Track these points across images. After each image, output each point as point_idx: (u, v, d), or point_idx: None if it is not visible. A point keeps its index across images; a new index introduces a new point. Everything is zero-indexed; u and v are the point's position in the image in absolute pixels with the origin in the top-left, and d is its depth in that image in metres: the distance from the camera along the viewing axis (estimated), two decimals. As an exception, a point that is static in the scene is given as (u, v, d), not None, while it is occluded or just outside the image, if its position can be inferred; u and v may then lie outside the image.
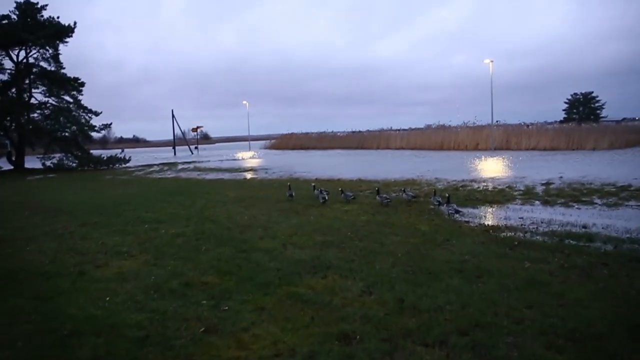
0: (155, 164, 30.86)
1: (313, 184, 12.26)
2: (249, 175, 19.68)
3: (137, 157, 38.50)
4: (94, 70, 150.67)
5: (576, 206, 8.98)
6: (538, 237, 6.50)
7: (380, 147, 38.79)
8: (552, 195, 10.31)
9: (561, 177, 13.15)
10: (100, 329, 3.83)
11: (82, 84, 30.69)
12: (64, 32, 29.62)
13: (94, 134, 34.50)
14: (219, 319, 3.95)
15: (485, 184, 12.72)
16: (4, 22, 28.29)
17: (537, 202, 9.68)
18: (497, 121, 32.94)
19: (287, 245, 6.53)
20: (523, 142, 29.57)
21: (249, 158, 33.95)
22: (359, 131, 47.42)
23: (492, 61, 31.23)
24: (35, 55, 30.14)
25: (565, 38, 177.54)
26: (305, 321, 3.82)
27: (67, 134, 30.39)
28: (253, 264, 5.61)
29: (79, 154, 30.76)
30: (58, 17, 29.50)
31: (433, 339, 3.39)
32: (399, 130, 43.40)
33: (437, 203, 9.32)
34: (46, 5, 29.22)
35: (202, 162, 30.98)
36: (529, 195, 10.53)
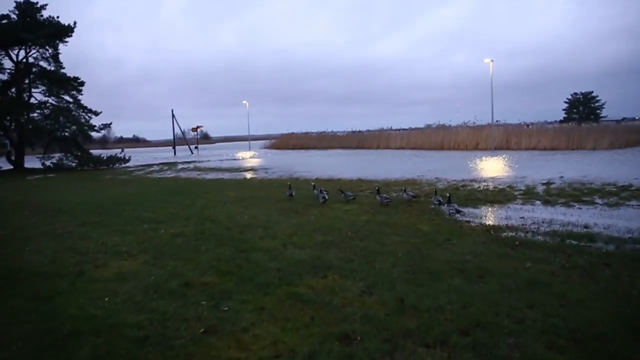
0: (155, 164, 30.84)
1: (313, 184, 12.24)
2: (249, 175, 19.66)
3: (137, 157, 38.49)
4: (94, 70, 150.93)
5: (577, 206, 8.96)
6: (539, 237, 6.48)
7: (380, 147, 38.77)
8: (553, 195, 10.29)
9: (562, 176, 13.13)
10: (100, 329, 3.81)
11: (82, 84, 30.67)
12: (64, 31, 29.58)
13: (94, 134, 34.49)
14: (219, 319, 3.93)
15: (485, 184, 12.70)
16: (3, 21, 28.24)
17: (538, 201, 9.65)
18: (497, 121, 32.99)
19: (287, 245, 6.51)
20: (523, 142, 29.56)
21: (249, 158, 33.94)
22: (359, 131, 47.45)
23: (492, 60, 31.26)
24: (34, 55, 30.15)
25: (565, 38, 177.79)
26: (306, 321, 3.80)
27: (66, 133, 30.35)
28: (253, 264, 5.59)
29: (79, 153, 30.72)
30: (58, 17, 29.51)
31: (434, 339, 3.37)
32: (398, 130, 43.38)
33: (437, 203, 9.31)
34: (46, 4, 29.23)
35: (202, 161, 30.97)
36: (529, 195, 10.51)
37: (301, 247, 6.38)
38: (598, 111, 62.47)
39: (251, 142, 55.73)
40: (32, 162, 30.53)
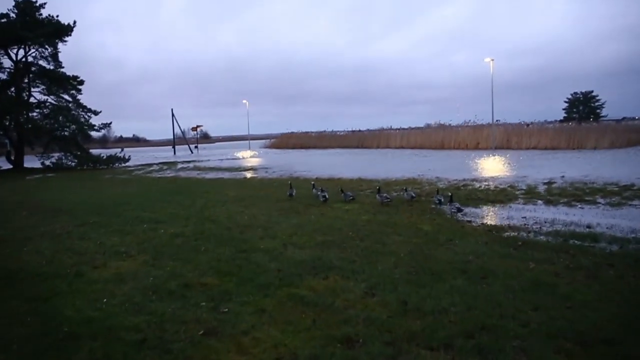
0: (154, 163, 30.77)
1: (312, 183, 12.19)
2: (248, 175, 19.59)
3: (137, 157, 38.43)
4: (94, 69, 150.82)
5: (579, 206, 8.89)
6: (542, 237, 6.41)
7: (381, 146, 38.71)
8: (555, 194, 10.22)
9: (563, 176, 13.07)
10: (97, 331, 3.75)
11: (81, 83, 30.60)
12: (64, 31, 29.49)
13: (94, 133, 34.47)
14: (219, 321, 3.87)
15: (486, 183, 12.63)
16: (2, 20, 28.15)
17: (539, 201, 9.59)
18: (497, 120, 32.92)
19: (287, 245, 6.44)
20: (523, 141, 29.50)
21: (249, 157, 33.87)
22: (359, 130, 47.33)
23: (492, 60, 31.17)
24: (34, 54, 30.10)
25: (566, 37, 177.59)
26: (307, 324, 3.74)
27: (66, 133, 30.27)
28: (253, 264, 5.53)
29: (78, 153, 30.66)
30: (57, 16, 29.41)
31: (438, 342, 3.31)
32: (399, 129, 43.29)
33: (438, 202, 9.25)
34: (45, 3, 29.14)
35: (201, 161, 30.90)
36: (531, 194, 10.44)
37: (302, 247, 6.31)
38: (598, 111, 62.40)
39: (251, 141, 55.64)
40: (31, 161, 30.46)
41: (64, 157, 30.53)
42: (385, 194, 10.07)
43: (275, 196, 11.77)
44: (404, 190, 10.86)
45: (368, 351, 3.25)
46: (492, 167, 17.98)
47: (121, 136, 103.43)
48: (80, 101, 30.98)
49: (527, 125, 34.04)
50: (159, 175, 21.88)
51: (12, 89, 30.23)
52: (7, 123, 30.14)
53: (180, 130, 56.85)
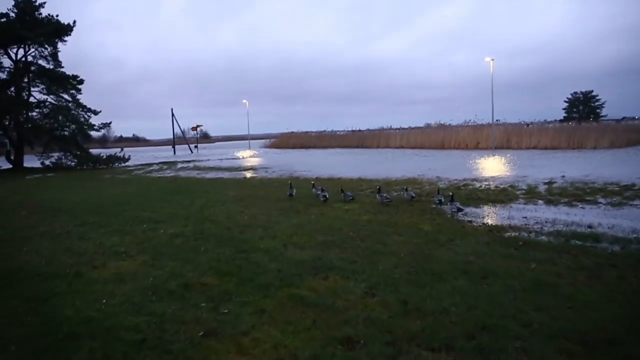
0: (154, 163, 30.73)
1: (312, 182, 12.18)
2: (248, 174, 19.57)
3: (137, 156, 38.38)
4: (94, 69, 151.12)
5: (580, 205, 8.87)
6: (543, 237, 6.39)
7: (380, 146, 38.67)
8: (555, 194, 10.20)
9: (563, 176, 13.04)
10: (97, 332, 3.73)
11: (81, 82, 30.52)
12: (63, 30, 29.44)
13: (94, 133, 34.35)
14: (218, 322, 3.85)
15: (487, 183, 12.61)
16: (2, 20, 28.09)
17: (540, 201, 9.57)
18: (497, 120, 32.88)
19: (287, 245, 6.42)
20: (523, 141, 29.46)
21: (249, 157, 33.84)
22: (359, 130, 47.24)
23: (492, 59, 31.12)
24: (33, 54, 30.03)
25: (565, 37, 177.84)
26: (307, 324, 3.72)
27: (66, 132, 30.21)
28: (253, 264, 5.51)
29: (78, 153, 30.58)
30: (57, 16, 29.33)
31: (439, 343, 3.29)
32: (398, 129, 43.25)
33: (438, 202, 9.22)
34: (44, 2, 29.05)
35: (201, 161, 30.87)
36: (531, 194, 10.42)
37: (302, 247, 6.29)
38: (598, 110, 62.41)
39: (251, 141, 55.59)
40: (31, 161, 30.41)
41: (63, 157, 30.46)
42: (385, 194, 10.05)
43: (275, 196, 11.75)
44: (404, 190, 10.84)
45: (368, 352, 3.23)
46: (493, 166, 17.96)
47: (121, 136, 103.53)
48: (80, 101, 30.93)
49: (527, 125, 34.02)
50: (159, 175, 21.85)
51: (12, 88, 30.15)
52: (7, 123, 30.07)
53: (180, 130, 56.83)
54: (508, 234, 6.73)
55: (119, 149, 33.91)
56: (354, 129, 47.91)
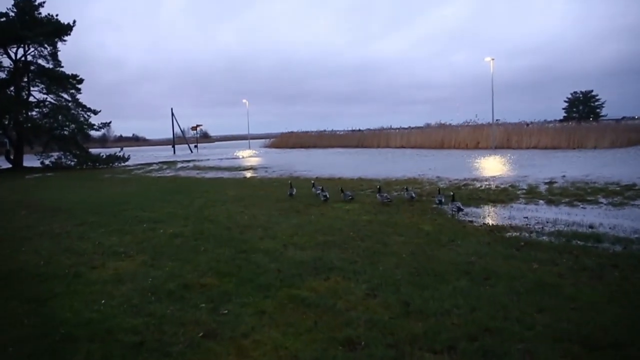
0: (154, 163, 30.68)
1: (312, 182, 12.14)
2: (248, 174, 19.53)
3: (137, 156, 38.32)
4: (94, 69, 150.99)
5: (581, 205, 8.83)
6: (544, 238, 6.35)
7: (381, 146, 38.62)
8: (556, 194, 10.17)
9: (564, 175, 13.01)
10: (95, 333, 3.69)
11: (81, 81, 30.47)
12: (63, 30, 29.38)
13: (93, 133, 34.41)
14: (218, 323, 3.81)
15: (487, 183, 12.58)
16: (1, 19, 28.06)
17: (541, 201, 9.53)
18: (497, 120, 32.84)
19: (287, 245, 6.38)
20: (524, 141, 29.42)
21: (249, 157, 33.79)
22: (359, 130, 47.23)
23: (493, 59, 31.07)
24: (33, 53, 29.98)
25: (565, 37, 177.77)
26: (308, 326, 3.68)
27: (65, 132, 30.15)
28: (253, 265, 5.47)
29: (78, 152, 30.53)
30: (57, 15, 29.30)
31: (441, 345, 3.25)
32: (399, 128, 43.20)
33: (438, 203, 9.19)
34: (44, 2, 28.99)
35: (201, 160, 30.82)
36: (532, 194, 10.39)
37: (302, 247, 6.25)
38: (598, 110, 62.38)
39: (251, 141, 55.54)
40: (31, 160, 30.37)
41: (63, 157, 30.42)
42: (385, 194, 10.02)
43: (275, 196, 11.71)
44: (404, 189, 10.80)
45: (370, 354, 3.19)
46: (493, 166, 17.92)
47: (121, 135, 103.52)
48: (80, 100, 30.93)
49: (527, 124, 33.97)
50: (159, 175, 21.81)
51: (12, 88, 30.12)
52: (7, 122, 30.04)
53: (180, 129, 56.71)
54: (509, 234, 6.70)
55: (119, 149, 33.86)
56: (354, 128, 48.02)
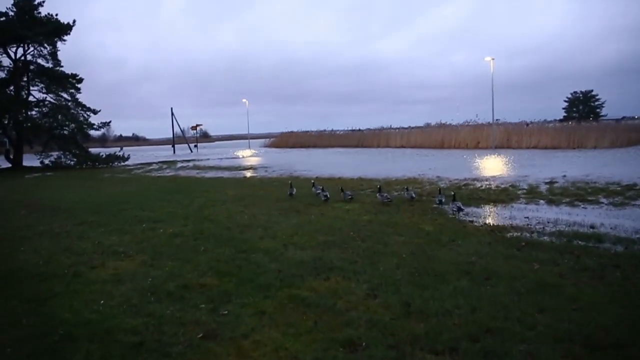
0: (154, 162, 30.65)
1: (312, 182, 12.13)
2: (248, 174, 19.51)
3: (136, 155, 38.29)
4: (94, 68, 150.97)
5: (582, 205, 8.81)
6: (545, 238, 6.33)
7: (381, 146, 38.59)
8: (557, 194, 10.15)
9: (564, 175, 12.98)
10: (95, 334, 3.67)
11: (80, 81, 30.46)
12: (63, 29, 29.36)
13: (93, 132, 34.35)
14: (218, 323, 3.79)
15: (488, 183, 12.56)
16: (1, 19, 28.04)
17: (541, 201, 9.51)
18: (496, 120, 32.83)
19: (287, 245, 6.36)
20: (524, 141, 29.39)
21: (249, 156, 33.76)
22: (359, 129, 47.19)
23: (493, 59, 31.05)
24: (33, 53, 29.96)
25: (565, 37, 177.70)
26: (308, 326, 3.66)
27: (65, 131, 30.15)
28: (253, 265, 5.45)
29: (78, 152, 30.52)
30: (57, 15, 29.29)
31: (443, 346, 3.23)
32: (399, 128, 43.16)
33: (439, 203, 9.17)
34: (43, 1, 28.95)
35: (201, 160, 30.80)
36: (533, 194, 10.37)
37: (302, 247, 6.23)
38: (598, 110, 62.40)
39: (251, 140, 55.50)
40: (30, 160, 30.37)
41: (63, 156, 30.41)
42: (385, 194, 10.00)
43: (275, 195, 11.69)
44: (405, 189, 10.78)
45: (371, 355, 3.17)
46: (493, 166, 17.90)
47: (120, 135, 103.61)
48: (79, 100, 30.93)
49: (527, 124, 33.96)
50: (158, 174, 21.80)
51: (11, 87, 30.11)
52: (6, 122, 30.05)
53: (180, 129, 56.75)
54: (510, 234, 6.68)
55: (119, 148, 33.99)
56: (354, 128, 47.95)
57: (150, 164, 29.80)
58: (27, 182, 20.92)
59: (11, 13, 28.37)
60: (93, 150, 34.79)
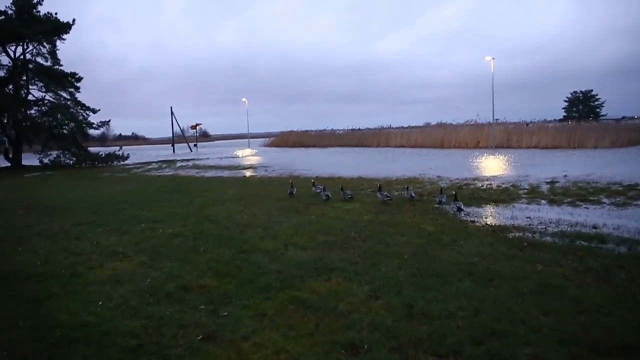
0: (153, 162, 30.56)
1: (312, 181, 12.07)
2: (248, 173, 19.44)
3: (136, 155, 38.17)
4: (95, 68, 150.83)
5: (584, 205, 8.76)
6: (548, 238, 6.28)
7: (380, 145, 38.52)
8: (558, 194, 10.09)
9: (565, 175, 12.92)
10: (92, 336, 3.61)
11: (80, 79, 30.40)
12: (62, 28, 29.27)
13: (93, 131, 34.32)
14: (218, 325, 3.74)
15: (488, 183, 12.50)
16: (0, 17, 27.95)
17: (543, 201, 9.46)
18: (496, 119, 32.78)
19: (288, 245, 6.31)
20: (524, 140, 29.35)
21: (249, 155, 33.68)
22: (359, 129, 47.09)
23: (493, 58, 30.98)
24: (32, 51, 29.87)
25: (566, 37, 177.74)
26: (310, 328, 3.60)
27: (64, 131, 30.09)
28: (253, 265, 5.39)
29: (77, 151, 30.45)
30: (56, 14, 29.22)
31: (446, 349, 3.17)
32: (399, 128, 43.06)
33: (439, 203, 9.12)
34: (42, 0, 28.90)
35: (201, 159, 30.72)
36: (534, 194, 10.31)
37: (303, 247, 6.18)
38: (598, 110, 62.39)
39: (251, 140, 55.37)
40: (30, 159, 30.29)
41: (62, 155, 30.33)
42: (385, 192, 9.97)
43: (275, 195, 11.63)
44: (405, 189, 10.72)
45: (373, 358, 3.12)
46: (494, 166, 17.84)
47: (120, 134, 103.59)
48: (79, 99, 30.85)
49: (527, 124, 33.92)
50: (158, 174, 21.73)
51: (10, 86, 30.02)
52: (5, 120, 29.96)
53: (180, 128, 56.61)
54: (512, 234, 6.62)
55: (118, 147, 33.90)
56: (354, 128, 47.80)
57: (149, 163, 29.72)
58: (26, 181, 20.85)
59: (10, 11, 28.33)
60: (92, 149, 34.71)
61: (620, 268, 4.82)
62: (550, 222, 7.31)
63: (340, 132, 47.20)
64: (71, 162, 30.07)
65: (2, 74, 29.77)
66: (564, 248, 5.71)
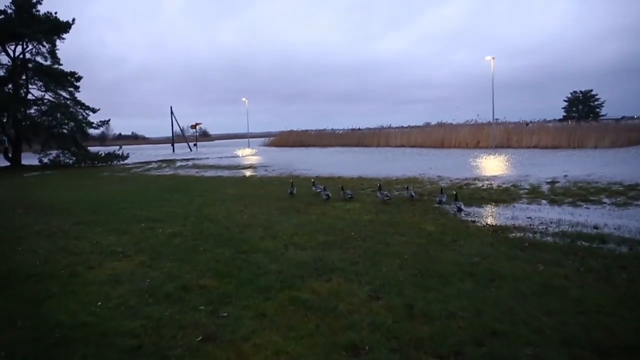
0: (153, 161, 30.54)
1: (312, 181, 12.05)
2: (248, 173, 19.42)
3: (136, 154, 38.13)
4: (95, 67, 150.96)
5: (584, 205, 8.74)
6: (549, 238, 6.26)
7: (380, 145, 38.49)
8: (559, 194, 10.07)
9: (566, 175, 12.91)
10: (91, 337, 3.59)
11: (79, 79, 30.37)
12: (62, 27, 29.23)
13: (93, 131, 34.23)
14: (218, 326, 3.72)
15: (489, 182, 12.48)
16: (0, 17, 27.92)
17: (543, 201, 9.44)
18: (496, 119, 32.76)
19: (288, 245, 6.29)
20: (524, 140, 29.33)
21: (248, 155, 33.65)
22: (359, 129, 47.07)
23: (493, 58, 30.96)
24: (31, 51, 29.83)
25: (565, 36, 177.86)
26: (310, 329, 3.59)
27: (64, 130, 30.05)
28: (253, 265, 5.37)
29: (76, 150, 30.41)
30: (56, 13, 29.20)
31: (447, 350, 3.16)
32: (398, 127, 43.03)
33: (439, 203, 9.10)
34: (42, -1, 28.87)
35: (200, 159, 30.69)
36: (534, 194, 10.29)
37: (303, 247, 6.16)
38: (597, 110, 62.40)
39: (250, 139, 55.34)
40: (29, 159, 30.26)
41: (61, 155, 30.29)
42: (385, 192, 9.96)
43: (275, 195, 11.61)
44: (405, 188, 10.71)
45: (374, 358, 3.10)
46: (494, 166, 17.83)
47: (120, 134, 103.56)
48: (78, 98, 30.81)
49: (527, 124, 33.90)
50: (158, 173, 21.70)
51: (10, 85, 29.98)
52: (5, 120, 29.91)
53: (180, 128, 56.60)
54: (513, 234, 6.60)
55: (118, 147, 33.83)
56: (353, 127, 47.77)
57: (149, 162, 29.69)
58: (25, 180, 20.82)
59: (10, 11, 28.30)
60: (92, 148, 34.67)
61: (621, 268, 4.80)
62: (551, 222, 7.29)
63: (340, 132, 47.18)
64: (71, 161, 30.03)
65: (2, 74, 29.74)
66: (565, 248, 5.69)
